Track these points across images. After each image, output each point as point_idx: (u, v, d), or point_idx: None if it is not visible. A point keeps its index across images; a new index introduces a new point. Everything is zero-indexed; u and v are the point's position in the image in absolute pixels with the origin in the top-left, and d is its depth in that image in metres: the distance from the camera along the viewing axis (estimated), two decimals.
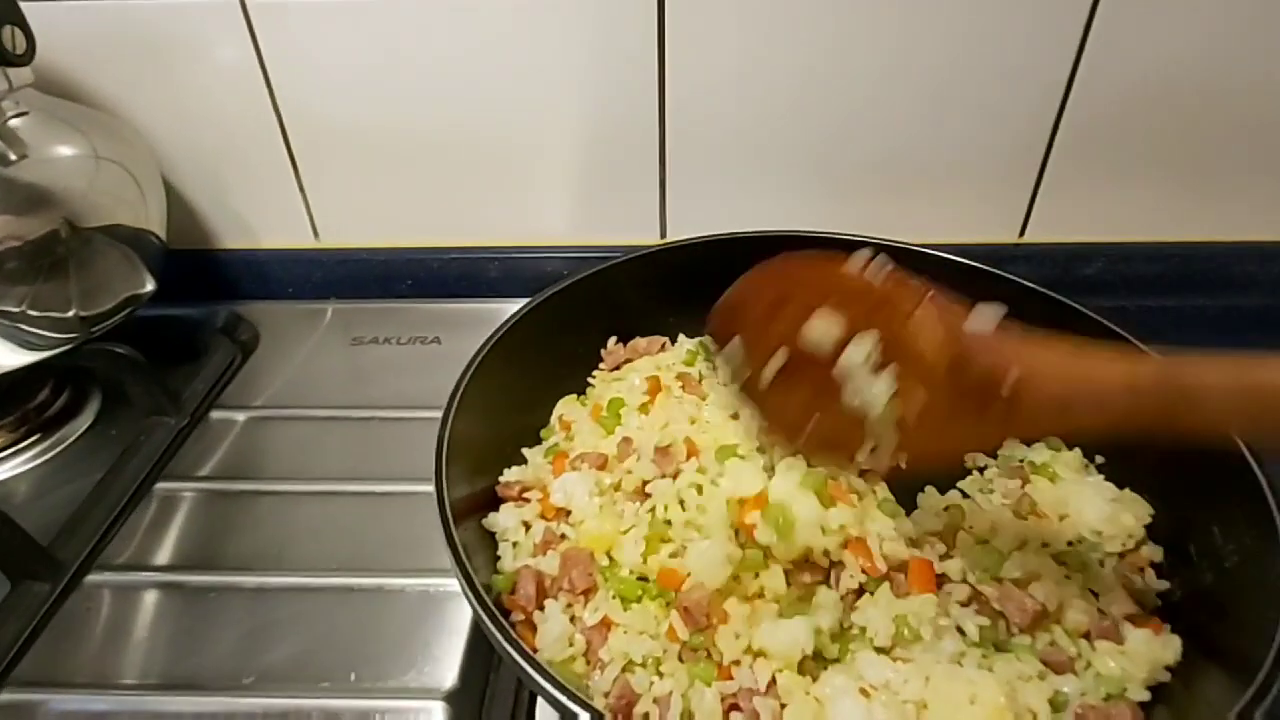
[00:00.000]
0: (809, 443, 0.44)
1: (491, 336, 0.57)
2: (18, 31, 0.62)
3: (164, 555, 0.63)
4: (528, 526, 0.51)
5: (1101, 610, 0.45)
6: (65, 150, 0.70)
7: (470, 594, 0.39)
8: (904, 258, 0.61)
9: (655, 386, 0.58)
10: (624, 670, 0.43)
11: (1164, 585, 0.48)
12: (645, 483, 0.50)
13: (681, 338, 0.66)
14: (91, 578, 0.61)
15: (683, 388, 0.58)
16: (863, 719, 0.37)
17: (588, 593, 0.46)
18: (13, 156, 0.66)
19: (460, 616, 0.58)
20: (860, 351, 0.40)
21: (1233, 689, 0.37)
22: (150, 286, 0.77)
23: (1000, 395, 0.36)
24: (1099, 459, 0.56)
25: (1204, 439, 0.38)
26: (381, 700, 0.53)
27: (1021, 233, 0.91)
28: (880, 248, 0.65)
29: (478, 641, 0.57)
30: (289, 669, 0.55)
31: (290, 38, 0.79)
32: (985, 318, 0.39)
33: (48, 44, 0.66)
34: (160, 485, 0.69)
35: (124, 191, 0.74)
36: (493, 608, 0.38)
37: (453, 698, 0.53)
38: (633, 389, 0.58)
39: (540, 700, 0.53)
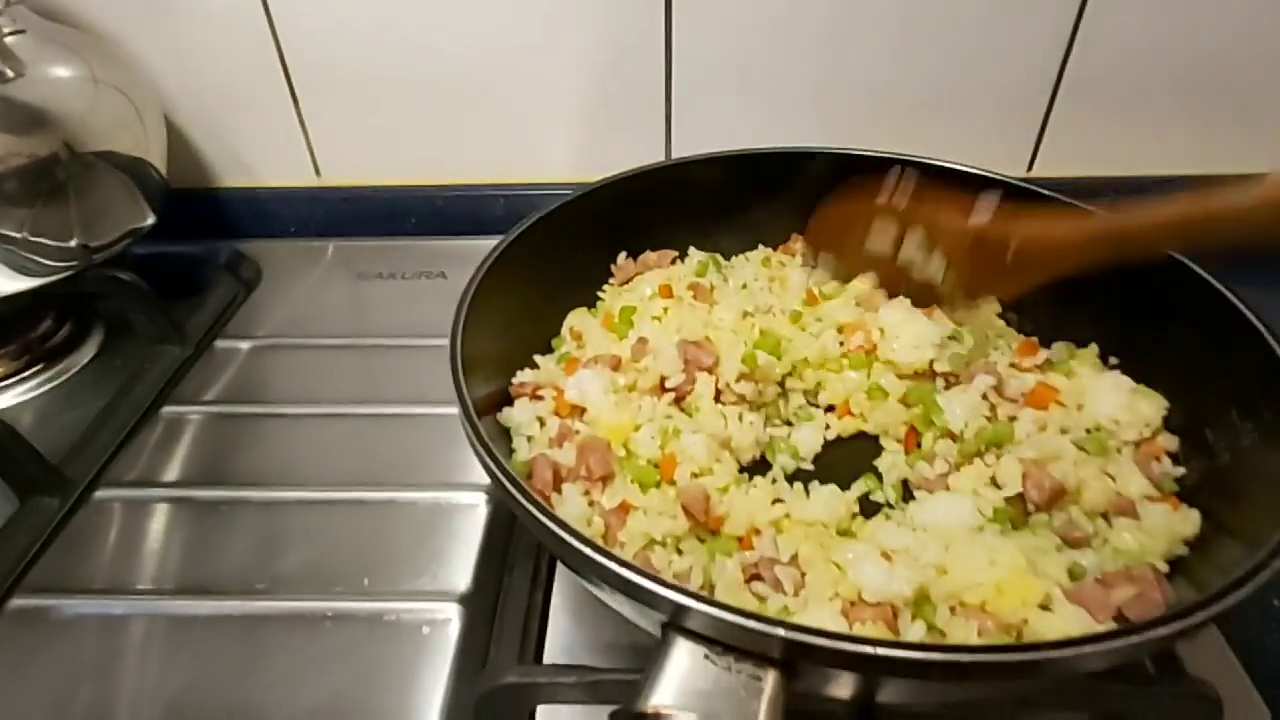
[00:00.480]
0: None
1: (501, 243, 0.56)
2: None
3: (173, 472, 0.63)
4: (542, 422, 0.50)
5: (1119, 492, 0.45)
6: (63, 71, 0.69)
7: (493, 467, 0.39)
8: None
9: (667, 293, 0.57)
10: (644, 549, 0.43)
11: (1180, 471, 0.48)
12: (663, 379, 0.50)
13: (692, 250, 0.65)
14: (100, 493, 0.61)
15: (694, 296, 0.58)
16: (885, 580, 0.37)
17: (605, 479, 0.46)
18: (9, 74, 0.65)
19: (472, 526, 0.58)
20: (913, 244, 0.56)
21: (1251, 556, 0.37)
22: (150, 219, 0.76)
23: (1007, 258, 0.51)
24: (1113, 360, 0.55)
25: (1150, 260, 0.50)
26: (395, 603, 0.53)
27: (1030, 166, 0.90)
28: (902, 163, 0.66)
29: (491, 548, 0.57)
30: (302, 575, 0.55)
31: None
32: (987, 204, 0.54)
33: None
34: (167, 409, 0.68)
35: (124, 117, 0.73)
36: (520, 482, 0.37)
37: (467, 599, 0.53)
38: (644, 298, 0.58)
39: (555, 601, 0.53)
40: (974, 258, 0.53)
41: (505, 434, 0.52)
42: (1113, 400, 0.48)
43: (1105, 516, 0.45)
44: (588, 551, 0.35)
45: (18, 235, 0.65)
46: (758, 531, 0.42)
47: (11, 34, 0.66)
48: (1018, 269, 0.51)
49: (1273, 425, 0.43)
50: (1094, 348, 0.55)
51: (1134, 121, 0.86)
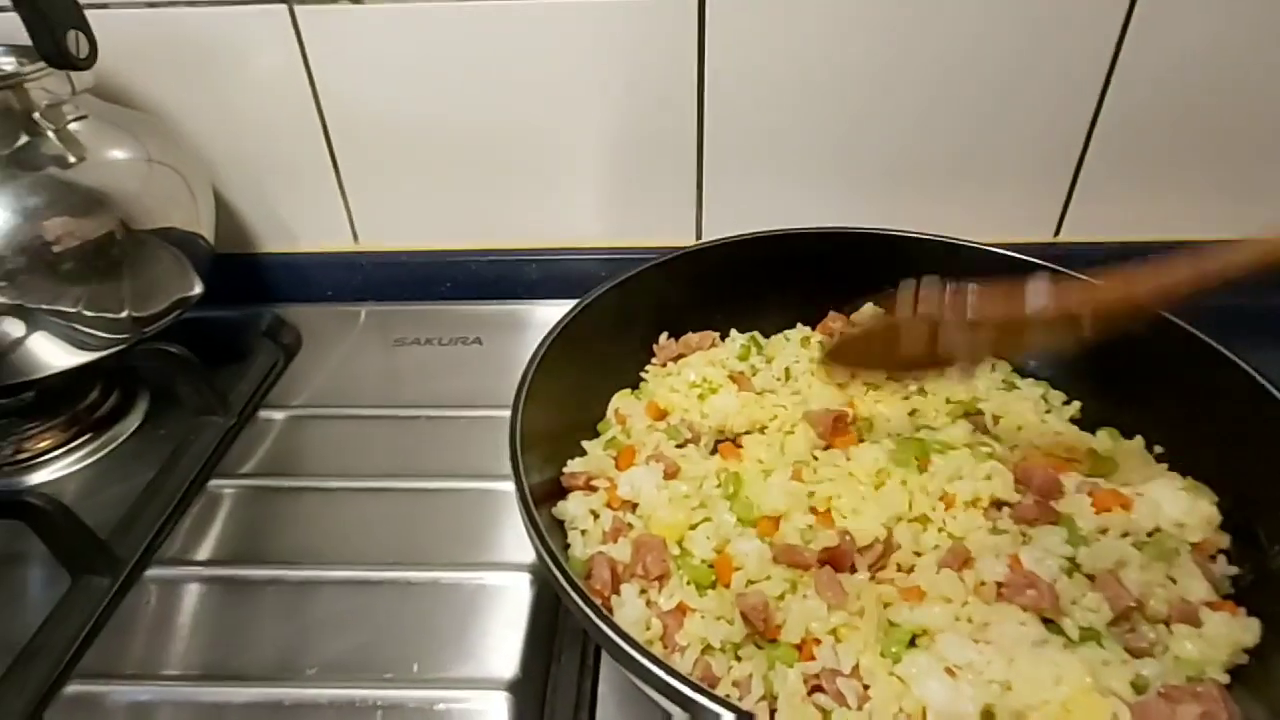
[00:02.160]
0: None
1: (552, 331, 0.57)
2: (81, 36, 0.63)
3: (219, 550, 0.63)
4: (596, 515, 0.51)
5: (1183, 598, 0.45)
6: (120, 154, 0.71)
7: (560, 577, 0.39)
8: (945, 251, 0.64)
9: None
10: (703, 653, 0.43)
11: (1235, 571, 0.48)
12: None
13: (734, 333, 0.66)
14: (150, 572, 0.61)
15: (738, 387, 0.59)
16: (950, 697, 0.37)
17: (661, 579, 0.46)
18: (72, 159, 0.67)
19: (517, 609, 0.58)
20: (950, 337, 0.52)
21: None
22: (199, 289, 0.78)
23: (1083, 330, 0.48)
24: (1158, 448, 0.56)
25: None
26: (445, 690, 0.53)
27: (1057, 232, 0.91)
28: (926, 242, 0.67)
29: (537, 633, 0.57)
30: (351, 660, 0.55)
31: (335, 42, 0.80)
32: (1039, 294, 0.50)
33: (102, 50, 0.67)
34: (212, 483, 0.69)
35: (176, 194, 0.75)
36: (582, 588, 0.38)
37: (516, 687, 0.53)
38: (688, 385, 0.58)
39: (602, 690, 0.53)
40: (1033, 331, 0.50)
41: (557, 523, 0.53)
42: (1174, 500, 0.48)
43: (1166, 623, 0.44)
44: (651, 667, 0.35)
45: (73, 310, 0.67)
46: (817, 641, 0.42)
47: (75, 120, 0.68)
48: (1091, 332, 0.48)
49: None
50: (1140, 440, 0.55)
51: (1162, 186, 0.87)
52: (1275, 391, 0.49)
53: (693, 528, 0.48)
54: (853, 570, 0.47)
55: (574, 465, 0.54)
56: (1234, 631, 0.43)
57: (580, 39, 0.79)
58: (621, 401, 0.61)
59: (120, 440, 0.75)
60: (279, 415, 0.77)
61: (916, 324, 0.54)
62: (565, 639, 0.56)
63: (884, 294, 0.66)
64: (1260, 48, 0.77)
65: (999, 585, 0.45)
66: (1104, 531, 0.48)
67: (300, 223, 0.93)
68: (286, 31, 0.80)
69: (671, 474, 0.52)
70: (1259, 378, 0.50)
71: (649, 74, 0.81)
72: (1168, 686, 0.40)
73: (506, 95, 0.83)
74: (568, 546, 0.51)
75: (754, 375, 0.61)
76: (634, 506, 0.51)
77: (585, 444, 0.57)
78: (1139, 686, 0.41)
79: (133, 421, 0.77)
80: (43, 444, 0.73)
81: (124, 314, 0.70)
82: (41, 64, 0.63)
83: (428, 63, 0.81)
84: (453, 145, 0.86)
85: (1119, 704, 0.39)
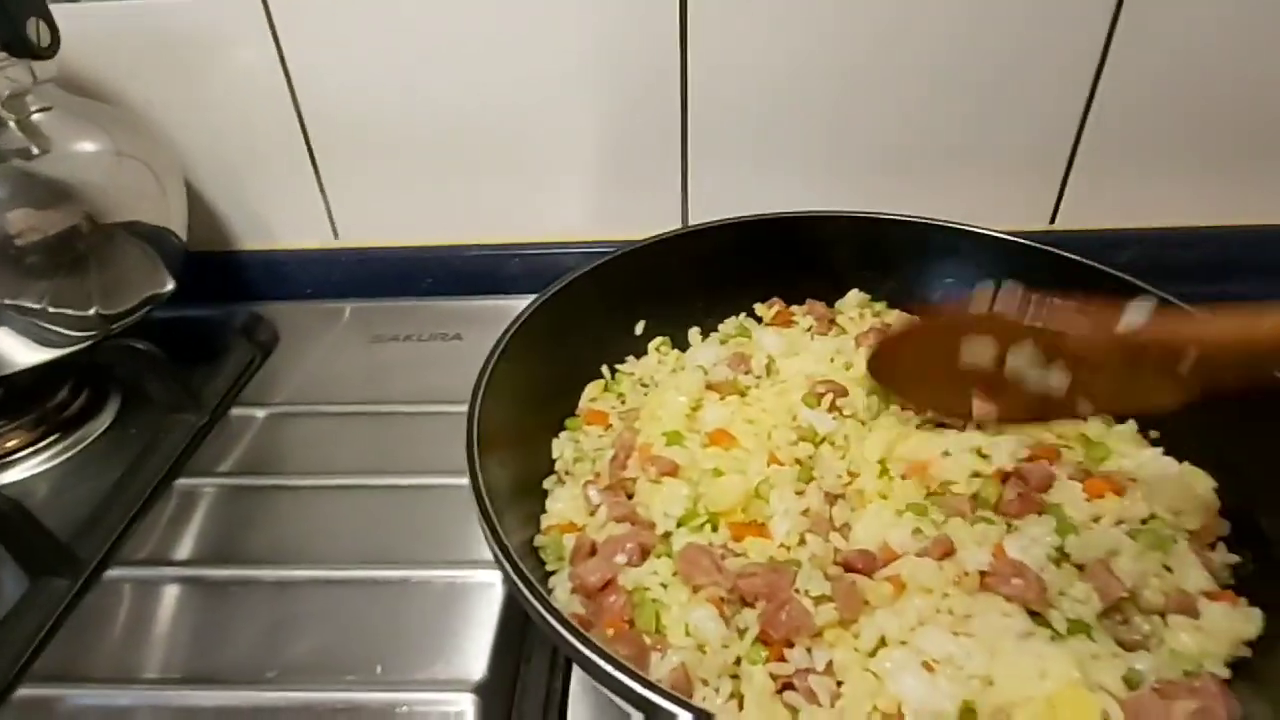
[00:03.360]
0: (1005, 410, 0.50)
1: (517, 319, 0.56)
2: (42, 24, 0.62)
3: (185, 550, 0.62)
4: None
5: (1179, 588, 0.42)
6: (87, 146, 0.70)
7: (516, 581, 0.37)
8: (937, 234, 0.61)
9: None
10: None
11: (1235, 559, 0.45)
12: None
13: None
14: (111, 573, 0.60)
15: (721, 398, 0.56)
16: (927, 693, 0.35)
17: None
18: (35, 151, 0.66)
19: (488, 607, 0.56)
20: (1020, 356, 0.46)
21: None
22: (170, 286, 0.76)
23: (1179, 372, 0.41)
24: (1153, 433, 0.53)
25: None
26: (408, 693, 0.51)
27: (1052, 219, 0.89)
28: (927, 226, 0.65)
29: (507, 633, 0.55)
30: (313, 662, 0.53)
31: (310, 36, 0.79)
32: (1139, 313, 0.43)
33: (69, 43, 0.66)
34: (181, 481, 0.68)
35: (145, 188, 0.73)
36: (529, 576, 0.36)
37: (483, 689, 0.51)
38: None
39: (573, 689, 0.51)
40: (1123, 371, 0.43)
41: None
42: (1169, 487, 0.46)
43: (1161, 615, 0.42)
44: (605, 666, 0.33)
45: (38, 307, 0.65)
46: (790, 644, 0.39)
47: (38, 111, 0.67)
48: (1192, 381, 0.41)
49: None
50: (1133, 424, 0.53)
51: (1156, 173, 0.85)
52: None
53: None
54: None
55: (547, 520, 0.53)
56: (1234, 623, 0.40)
57: (562, 31, 0.78)
58: (597, 392, 0.59)
59: (90, 439, 0.74)
60: (255, 413, 0.76)
61: (982, 326, 0.46)
62: (536, 638, 0.54)
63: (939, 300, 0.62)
64: (1249, 35, 0.76)
65: (982, 575, 0.42)
66: (1096, 520, 0.46)
67: (278, 220, 0.91)
68: (261, 24, 0.78)
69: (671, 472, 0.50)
70: None
71: (631, 64, 0.79)
72: (1162, 681, 0.38)
73: (487, 88, 0.81)
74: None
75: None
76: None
77: (554, 490, 0.55)
78: (1131, 681, 0.38)
79: (103, 420, 0.76)
80: (10, 444, 0.72)
81: (91, 310, 0.69)
82: (2, 53, 0.62)
83: (407, 56, 0.80)
84: (433, 140, 0.85)
85: (1109, 700, 0.36)
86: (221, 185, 0.88)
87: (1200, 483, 0.47)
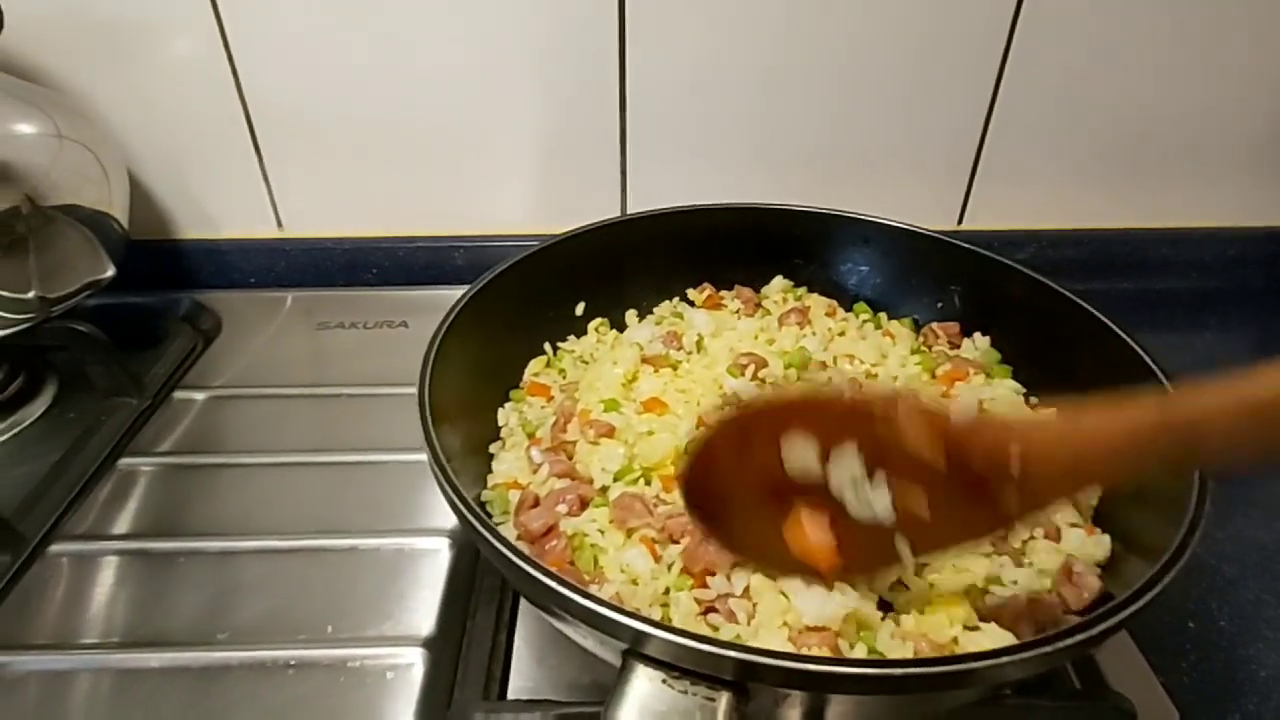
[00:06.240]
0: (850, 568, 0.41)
1: (466, 294, 0.59)
2: None
3: (128, 525, 0.63)
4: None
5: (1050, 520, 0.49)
6: (27, 128, 0.70)
7: (460, 505, 0.41)
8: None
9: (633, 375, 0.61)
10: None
11: (1096, 499, 0.52)
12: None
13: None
14: (54, 548, 0.60)
15: (654, 371, 0.61)
16: (820, 605, 0.40)
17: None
18: None
19: (435, 570, 0.59)
20: (844, 464, 0.39)
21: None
22: (110, 271, 0.77)
23: (1010, 475, 0.36)
24: (1033, 399, 0.61)
25: (1218, 470, 0.39)
26: (359, 649, 0.53)
27: (960, 220, 0.97)
28: (839, 218, 0.71)
29: (454, 592, 0.58)
30: (263, 624, 0.55)
31: (256, 25, 0.80)
32: (967, 404, 0.42)
33: (12, 25, 0.67)
34: (123, 461, 0.68)
35: (87, 172, 0.74)
36: (485, 520, 0.40)
37: (431, 643, 0.54)
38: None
39: (518, 643, 0.54)
40: (953, 478, 0.37)
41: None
42: None
43: (1032, 538, 0.49)
44: (552, 584, 0.37)
45: None
46: (711, 572, 0.44)
47: None
48: (1023, 490, 0.36)
49: None
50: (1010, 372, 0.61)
51: (1056, 176, 0.94)
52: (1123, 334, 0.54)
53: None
54: None
55: (493, 478, 0.56)
56: (1087, 547, 0.47)
57: (505, 30, 0.81)
58: (539, 368, 0.63)
59: (27, 423, 0.73)
60: (197, 395, 0.77)
61: (803, 413, 0.38)
62: (482, 597, 0.57)
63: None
64: (1124, 62, 0.85)
65: None
66: None
67: (222, 209, 0.92)
68: (206, 12, 0.80)
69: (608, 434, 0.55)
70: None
71: (573, 65, 0.84)
72: (1027, 593, 0.44)
73: (432, 83, 0.84)
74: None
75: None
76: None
77: (499, 453, 0.58)
78: (997, 582, 0.45)
79: (41, 404, 0.75)
80: None
81: (30, 293, 0.69)
82: None
83: (353, 48, 0.82)
84: (378, 132, 0.87)
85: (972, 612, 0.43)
86: (165, 173, 0.89)
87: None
